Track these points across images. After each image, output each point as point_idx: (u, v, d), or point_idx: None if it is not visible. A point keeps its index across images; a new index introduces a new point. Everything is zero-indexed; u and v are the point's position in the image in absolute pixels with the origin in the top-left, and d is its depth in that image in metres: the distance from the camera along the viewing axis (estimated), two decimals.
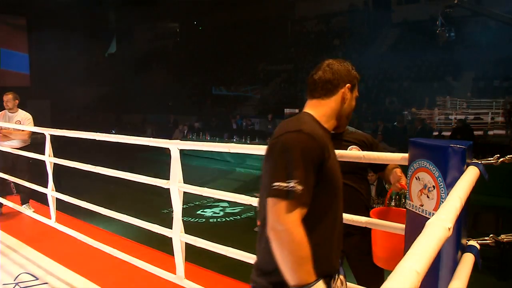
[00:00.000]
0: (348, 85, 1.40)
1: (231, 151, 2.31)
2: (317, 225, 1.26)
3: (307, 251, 1.14)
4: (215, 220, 7.49)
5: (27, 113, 4.72)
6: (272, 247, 1.17)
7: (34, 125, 4.59)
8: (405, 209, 1.85)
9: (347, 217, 1.76)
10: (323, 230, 1.28)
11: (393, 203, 6.19)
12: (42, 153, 3.59)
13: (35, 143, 5.46)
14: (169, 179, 2.48)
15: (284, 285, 1.18)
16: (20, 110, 4.69)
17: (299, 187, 1.15)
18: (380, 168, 2.13)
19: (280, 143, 1.22)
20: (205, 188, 2.41)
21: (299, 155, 1.18)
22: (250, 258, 2.15)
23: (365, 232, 1.93)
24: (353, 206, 1.83)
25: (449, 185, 1.27)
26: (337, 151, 1.55)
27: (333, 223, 1.33)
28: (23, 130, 4.58)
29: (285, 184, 1.15)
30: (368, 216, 1.86)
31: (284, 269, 1.15)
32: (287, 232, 1.13)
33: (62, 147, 3.72)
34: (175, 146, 2.43)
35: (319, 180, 1.23)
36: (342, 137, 2.10)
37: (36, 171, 4.65)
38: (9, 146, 4.49)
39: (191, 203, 8.28)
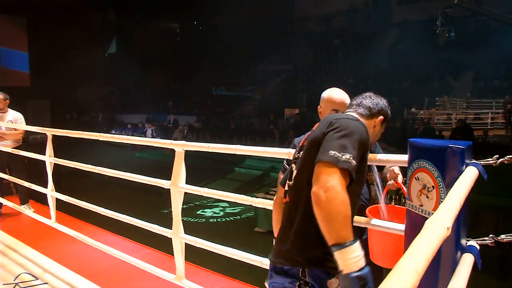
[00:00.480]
0: (381, 117, 1.62)
1: (238, 153, 2.28)
2: None
3: (350, 212, 1.23)
4: (215, 220, 7.49)
5: (18, 113, 4.72)
6: (319, 207, 1.22)
7: (32, 125, 4.59)
8: (400, 207, 1.86)
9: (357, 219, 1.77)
10: None
11: (393, 203, 6.18)
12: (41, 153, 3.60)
13: (35, 143, 5.47)
14: (169, 179, 2.48)
15: (320, 261, 1.30)
16: (10, 110, 4.69)
17: (354, 162, 1.27)
18: (378, 168, 2.13)
19: (341, 123, 1.36)
20: (205, 188, 2.41)
21: (357, 137, 1.33)
22: (250, 258, 2.15)
23: (363, 232, 1.94)
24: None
25: (448, 185, 1.27)
26: None
27: (353, 214, 1.42)
28: (16, 130, 4.58)
29: (341, 154, 1.26)
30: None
31: (329, 227, 1.20)
32: (338, 192, 1.21)
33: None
34: (180, 147, 2.43)
35: (358, 168, 1.32)
36: None
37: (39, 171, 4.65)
38: (1, 146, 4.49)
39: (191, 203, 8.28)
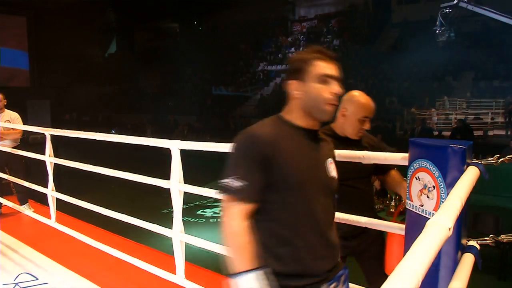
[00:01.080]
0: (292, 82, 1.33)
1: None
2: (272, 222, 1.28)
3: (243, 241, 1.20)
4: (215, 220, 7.49)
5: (15, 113, 4.72)
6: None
7: (32, 125, 4.59)
8: None
9: (356, 219, 1.75)
10: (282, 228, 1.27)
11: (393, 203, 6.19)
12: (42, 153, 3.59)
13: (35, 143, 5.47)
14: (168, 179, 2.48)
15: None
16: (7, 110, 4.70)
17: (237, 183, 1.23)
18: (381, 171, 2.11)
19: (232, 143, 1.31)
20: (205, 188, 2.40)
21: (238, 153, 1.27)
22: None
23: (374, 234, 1.93)
24: (362, 208, 1.87)
25: (449, 185, 1.27)
26: (337, 151, 1.54)
27: (301, 224, 1.29)
28: (14, 129, 4.58)
29: (227, 180, 1.24)
30: (374, 216, 1.86)
31: (228, 258, 1.22)
32: (227, 223, 1.23)
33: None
34: (175, 146, 2.43)
35: (269, 177, 1.25)
36: (361, 143, 2.05)
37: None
38: (0, 146, 4.50)
39: (191, 203, 8.28)
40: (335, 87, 1.31)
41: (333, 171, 1.38)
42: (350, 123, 1.99)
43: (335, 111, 1.36)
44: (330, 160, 1.39)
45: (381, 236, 1.98)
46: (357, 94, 2.03)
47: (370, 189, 2.19)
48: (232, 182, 1.23)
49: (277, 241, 1.26)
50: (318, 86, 1.30)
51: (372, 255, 2.01)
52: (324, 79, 1.30)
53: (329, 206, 1.36)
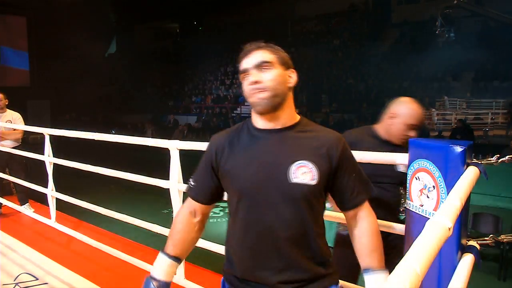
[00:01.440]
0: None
1: None
2: (229, 227, 1.37)
3: (175, 229, 1.41)
4: (215, 220, 7.49)
5: (16, 113, 4.73)
6: None
7: (31, 125, 4.60)
8: None
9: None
10: (233, 235, 1.34)
11: None
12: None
13: (35, 143, 5.47)
14: (168, 179, 2.48)
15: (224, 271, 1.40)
16: (8, 110, 4.70)
17: (191, 183, 1.42)
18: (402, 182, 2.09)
19: None
20: None
21: (203, 157, 1.41)
22: None
23: (396, 239, 1.91)
24: (387, 212, 1.87)
25: (449, 185, 1.27)
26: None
27: (247, 232, 1.26)
28: (15, 130, 4.59)
29: (190, 178, 1.44)
30: (396, 220, 1.86)
31: None
32: (177, 211, 1.48)
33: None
34: (174, 146, 2.43)
35: (220, 183, 1.36)
36: (403, 150, 2.03)
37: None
38: (1, 146, 4.50)
39: None
40: (250, 77, 1.28)
41: (301, 176, 1.20)
42: (396, 127, 1.97)
43: (272, 100, 1.27)
44: (300, 162, 1.21)
45: (402, 241, 1.97)
46: (407, 100, 2.02)
47: (398, 196, 2.16)
48: (190, 180, 1.42)
49: (230, 246, 1.34)
50: (243, 84, 1.31)
51: (390, 259, 1.99)
52: (243, 75, 1.31)
53: (293, 214, 1.21)
